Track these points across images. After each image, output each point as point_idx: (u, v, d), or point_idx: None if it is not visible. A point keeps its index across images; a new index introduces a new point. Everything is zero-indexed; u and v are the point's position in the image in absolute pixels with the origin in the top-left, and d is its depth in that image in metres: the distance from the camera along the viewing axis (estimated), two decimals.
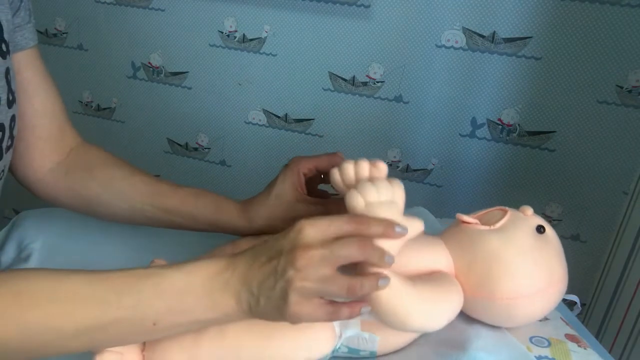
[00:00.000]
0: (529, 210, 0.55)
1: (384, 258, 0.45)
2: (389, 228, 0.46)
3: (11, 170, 0.65)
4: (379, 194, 0.47)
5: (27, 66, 0.62)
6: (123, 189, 0.66)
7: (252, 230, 0.64)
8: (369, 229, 0.45)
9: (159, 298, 0.45)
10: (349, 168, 0.50)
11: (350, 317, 0.45)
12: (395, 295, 0.47)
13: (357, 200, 0.48)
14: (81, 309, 0.44)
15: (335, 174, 0.52)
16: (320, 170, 0.64)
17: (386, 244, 0.46)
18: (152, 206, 0.64)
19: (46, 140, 0.65)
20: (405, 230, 0.46)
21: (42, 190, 0.67)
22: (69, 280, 0.45)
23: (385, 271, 0.46)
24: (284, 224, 0.54)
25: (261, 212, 0.63)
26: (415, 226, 0.49)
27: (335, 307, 0.45)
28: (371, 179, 0.49)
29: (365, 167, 0.50)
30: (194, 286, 0.45)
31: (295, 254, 0.43)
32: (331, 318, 0.45)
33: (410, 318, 0.48)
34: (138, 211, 0.65)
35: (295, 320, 0.44)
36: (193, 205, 0.64)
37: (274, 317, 0.45)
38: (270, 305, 0.44)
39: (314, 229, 0.44)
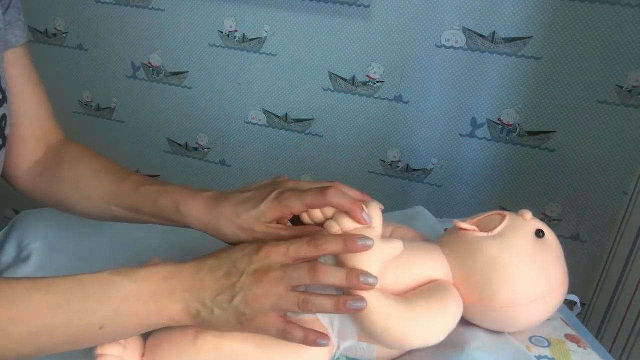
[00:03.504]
0: (528, 215, 0.54)
1: (344, 280, 0.47)
2: (350, 241, 0.47)
3: None
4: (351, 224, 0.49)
5: (14, 64, 0.61)
6: (89, 189, 0.63)
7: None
8: (327, 248, 0.47)
9: (106, 302, 0.46)
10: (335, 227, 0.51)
11: (303, 342, 0.47)
12: (383, 317, 0.47)
13: (335, 230, 0.50)
14: (30, 312, 0.44)
15: (306, 218, 0.53)
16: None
17: (365, 264, 0.47)
18: (118, 206, 0.62)
19: (27, 139, 0.65)
20: (370, 241, 0.48)
21: (21, 188, 0.67)
22: (20, 284, 0.45)
23: (365, 293, 0.47)
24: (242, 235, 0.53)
25: (229, 222, 0.54)
26: (394, 247, 0.50)
27: (288, 327, 0.47)
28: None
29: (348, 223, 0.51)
30: (140, 292, 0.47)
31: (257, 277, 0.46)
32: (282, 336, 0.47)
33: (407, 339, 0.48)
34: (106, 211, 0.63)
35: (249, 330, 0.47)
36: (154, 205, 0.59)
37: (226, 328, 0.48)
38: (225, 317, 0.47)
39: (276, 253, 0.47)
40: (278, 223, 0.53)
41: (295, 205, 0.51)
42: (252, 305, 0.46)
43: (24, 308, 0.44)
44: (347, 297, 0.47)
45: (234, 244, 0.53)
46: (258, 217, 0.52)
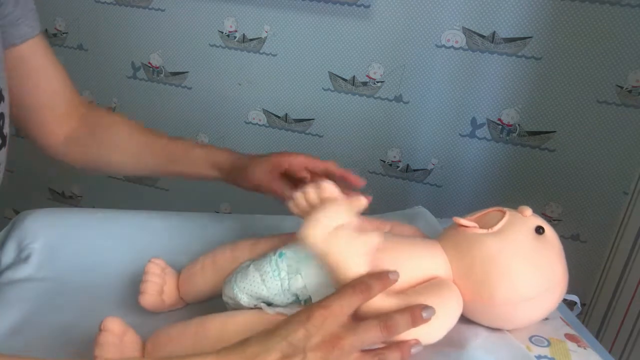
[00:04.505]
0: (528, 211, 0.54)
1: (411, 323, 0.46)
2: (386, 280, 0.47)
3: (32, 141, 0.73)
4: (329, 222, 0.47)
5: (37, 53, 0.66)
6: (126, 147, 0.75)
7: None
8: (373, 292, 0.46)
9: None
10: (300, 197, 0.52)
11: None
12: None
13: (311, 195, 0.50)
14: None
15: (292, 206, 0.53)
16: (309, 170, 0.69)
17: (351, 264, 0.47)
18: (154, 158, 0.75)
19: (59, 117, 0.72)
20: (396, 273, 0.48)
21: (60, 158, 0.75)
22: None
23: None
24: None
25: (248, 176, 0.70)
26: (371, 238, 0.49)
27: None
28: (321, 204, 0.50)
29: (312, 193, 0.51)
30: None
31: (325, 348, 0.42)
32: None
33: (407, 337, 0.47)
34: (142, 164, 0.76)
35: None
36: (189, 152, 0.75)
37: None
38: None
39: (331, 315, 0.44)
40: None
41: (294, 156, 0.67)
42: None
43: None
44: (407, 343, 0.46)
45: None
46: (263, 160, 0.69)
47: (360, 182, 0.68)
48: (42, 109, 0.70)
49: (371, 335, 0.44)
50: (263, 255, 0.55)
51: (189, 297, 0.63)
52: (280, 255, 0.53)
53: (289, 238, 0.58)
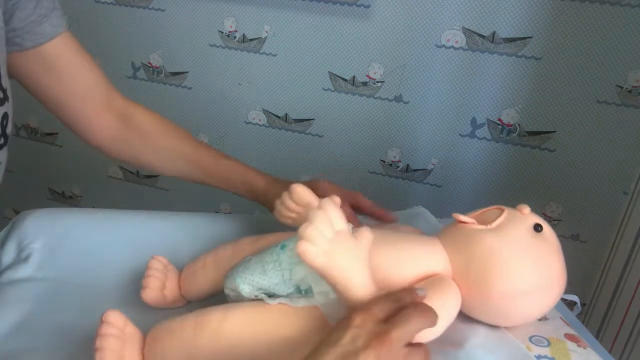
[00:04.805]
0: (526, 209, 0.55)
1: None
2: (415, 295, 0.47)
3: (79, 136, 0.75)
4: (322, 238, 0.45)
5: (66, 50, 0.68)
6: (168, 151, 0.77)
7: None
8: (403, 301, 0.46)
9: None
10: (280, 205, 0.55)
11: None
12: None
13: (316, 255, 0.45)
14: None
15: (277, 215, 0.56)
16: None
17: (352, 271, 0.46)
18: (191, 166, 0.77)
19: (100, 109, 0.74)
20: (423, 291, 0.48)
21: (106, 153, 0.77)
22: None
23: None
24: None
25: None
26: (367, 238, 0.48)
27: None
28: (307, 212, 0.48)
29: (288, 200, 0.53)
30: None
31: (374, 345, 0.42)
32: None
33: None
34: (180, 170, 0.78)
35: None
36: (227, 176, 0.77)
37: None
38: None
39: (371, 316, 0.44)
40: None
41: (325, 185, 0.69)
42: None
43: None
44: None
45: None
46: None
47: (392, 217, 0.70)
48: (83, 104, 0.72)
49: (414, 324, 0.44)
50: (265, 249, 0.56)
51: (190, 295, 0.63)
52: (283, 247, 0.54)
53: (290, 236, 0.58)
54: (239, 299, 0.54)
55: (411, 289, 0.47)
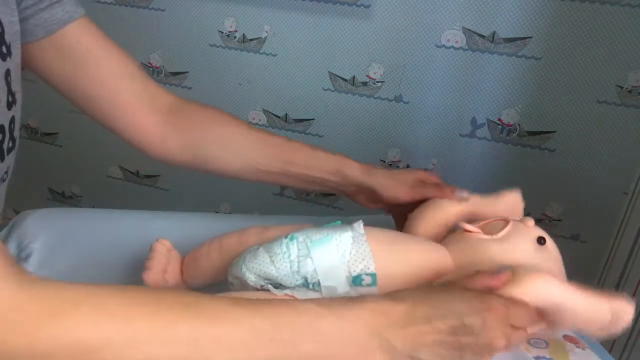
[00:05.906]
0: (531, 222, 0.56)
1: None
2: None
3: (120, 136, 0.67)
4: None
5: (83, 35, 0.61)
6: (237, 147, 0.68)
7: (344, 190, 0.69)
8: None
9: (309, 339, 0.41)
10: None
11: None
12: None
13: None
14: (234, 333, 0.40)
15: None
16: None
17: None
18: (264, 162, 0.68)
19: (137, 102, 0.65)
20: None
21: (154, 152, 0.68)
22: (222, 301, 0.42)
23: None
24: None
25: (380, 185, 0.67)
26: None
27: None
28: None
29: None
30: (344, 334, 0.42)
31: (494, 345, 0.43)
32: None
33: None
34: (251, 168, 0.68)
35: None
36: (311, 159, 0.68)
37: None
38: None
39: (504, 318, 0.44)
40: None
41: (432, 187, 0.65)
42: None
43: (227, 327, 0.40)
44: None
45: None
46: (406, 178, 0.66)
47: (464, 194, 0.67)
48: (116, 95, 0.64)
49: (522, 317, 0.45)
50: (273, 239, 0.56)
51: (192, 280, 0.63)
52: (292, 238, 0.54)
53: (299, 228, 0.58)
54: (243, 288, 0.54)
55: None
